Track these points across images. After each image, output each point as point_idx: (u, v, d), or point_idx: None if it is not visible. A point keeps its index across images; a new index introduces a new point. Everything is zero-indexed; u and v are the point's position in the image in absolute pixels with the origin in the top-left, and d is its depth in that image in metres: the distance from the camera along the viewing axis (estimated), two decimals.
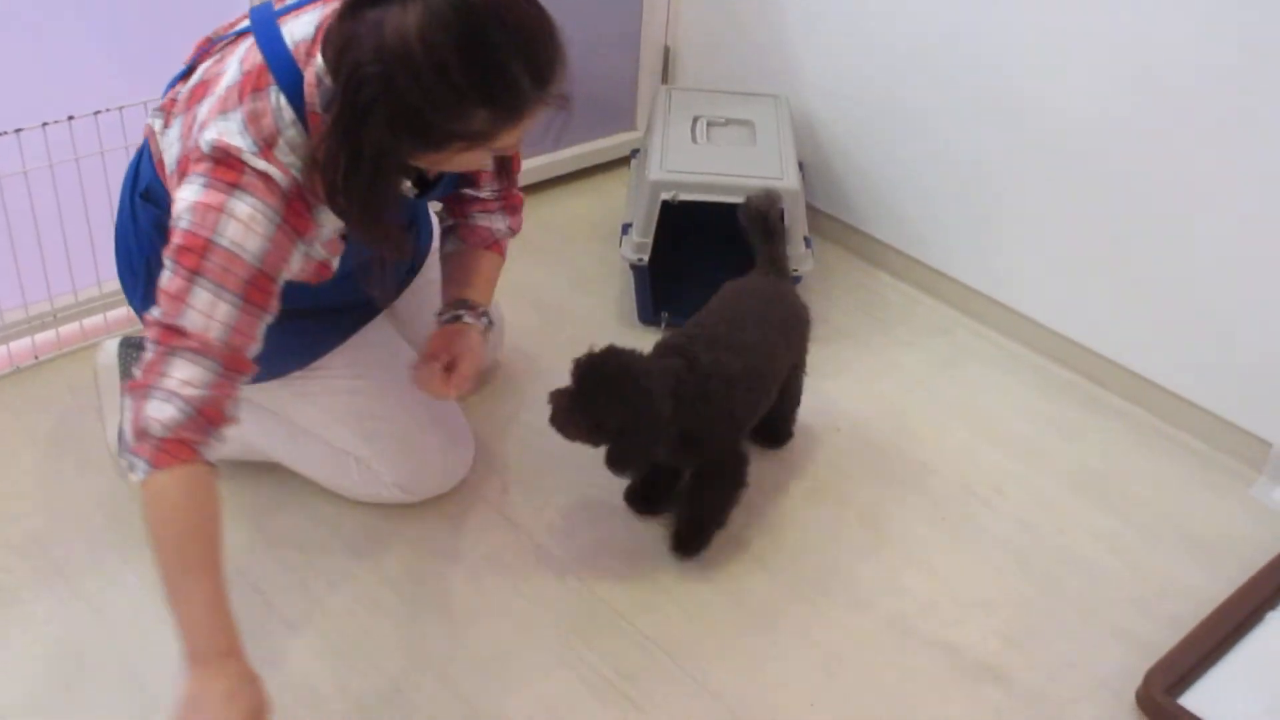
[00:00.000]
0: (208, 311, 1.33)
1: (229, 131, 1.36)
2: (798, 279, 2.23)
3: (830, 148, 2.61)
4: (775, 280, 1.95)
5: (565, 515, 1.88)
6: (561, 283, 2.46)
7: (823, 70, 2.56)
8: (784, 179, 2.24)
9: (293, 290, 1.63)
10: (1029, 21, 2.15)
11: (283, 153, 1.38)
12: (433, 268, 1.92)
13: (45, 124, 1.90)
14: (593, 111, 2.81)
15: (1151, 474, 2.09)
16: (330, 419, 1.76)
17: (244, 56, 1.42)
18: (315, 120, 1.38)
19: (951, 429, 2.16)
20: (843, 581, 1.81)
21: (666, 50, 2.87)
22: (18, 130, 1.88)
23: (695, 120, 2.44)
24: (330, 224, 1.46)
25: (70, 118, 1.92)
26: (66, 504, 1.82)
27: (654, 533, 1.86)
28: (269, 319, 1.42)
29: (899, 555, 1.87)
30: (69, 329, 2.12)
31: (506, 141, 1.38)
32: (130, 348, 1.83)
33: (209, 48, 1.52)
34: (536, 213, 2.70)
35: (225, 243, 1.33)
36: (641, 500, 1.89)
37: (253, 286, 1.36)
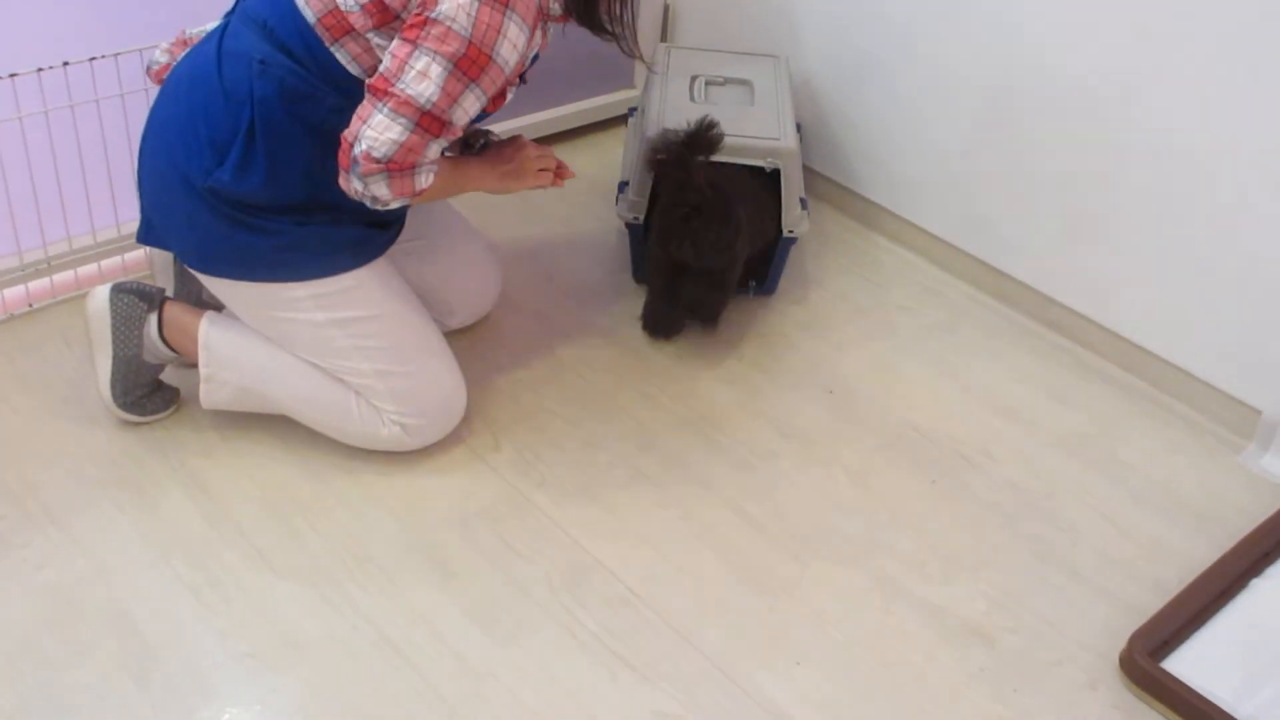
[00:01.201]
0: (469, 109, 1.63)
1: None
2: (792, 240, 2.23)
3: (829, 110, 2.60)
4: None
5: (557, 471, 1.89)
6: (556, 239, 2.45)
7: (823, 32, 2.55)
8: (781, 140, 2.23)
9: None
10: None
11: None
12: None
13: (40, 69, 1.89)
14: (591, 68, 2.79)
15: (1141, 440, 2.11)
16: (352, 347, 1.77)
17: None
18: None
19: (943, 392, 2.16)
20: (831, 541, 1.83)
21: (666, 8, 2.85)
22: (12, 75, 1.87)
23: (694, 79, 2.42)
24: (536, 46, 1.70)
25: (65, 63, 1.91)
26: (59, 450, 1.82)
27: (645, 490, 1.87)
28: None
29: (888, 516, 1.88)
30: (63, 277, 2.11)
31: None
32: (122, 293, 1.82)
33: None
34: None
35: (500, 61, 1.60)
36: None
37: (497, 90, 1.65)
